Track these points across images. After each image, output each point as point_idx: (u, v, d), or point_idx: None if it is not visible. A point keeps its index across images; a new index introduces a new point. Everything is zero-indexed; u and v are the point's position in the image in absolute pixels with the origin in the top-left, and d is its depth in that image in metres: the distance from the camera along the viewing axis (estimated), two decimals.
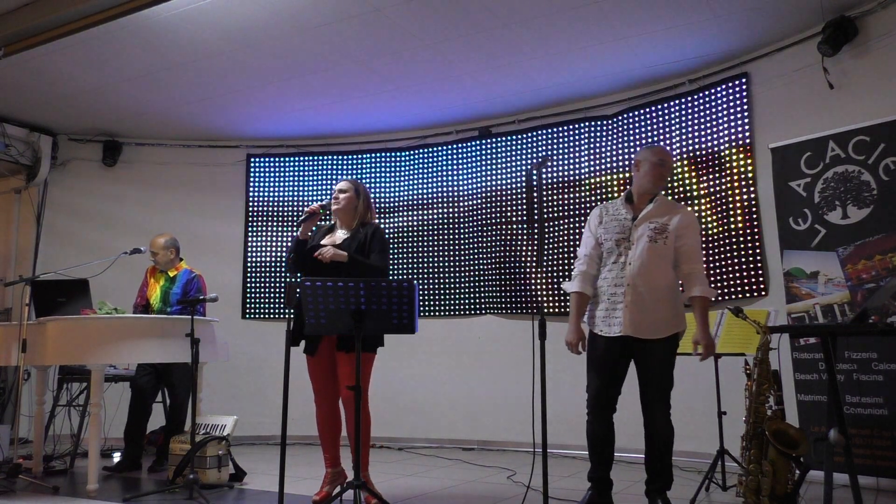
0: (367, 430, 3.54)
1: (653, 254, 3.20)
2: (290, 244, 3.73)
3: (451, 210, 6.40)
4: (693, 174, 5.27)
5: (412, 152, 6.60)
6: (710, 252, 5.09)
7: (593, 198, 5.69)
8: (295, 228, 3.78)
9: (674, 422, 5.00)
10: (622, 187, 5.61)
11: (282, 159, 6.82)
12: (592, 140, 5.81)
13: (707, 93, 5.24)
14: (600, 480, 3.26)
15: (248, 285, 6.68)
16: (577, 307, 3.34)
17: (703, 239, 5.14)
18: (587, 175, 5.76)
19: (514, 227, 6.06)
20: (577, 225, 5.72)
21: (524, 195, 6.02)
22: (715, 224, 5.09)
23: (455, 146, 6.42)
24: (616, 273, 3.26)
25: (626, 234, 3.28)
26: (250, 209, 6.80)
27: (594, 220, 3.43)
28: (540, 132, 6.05)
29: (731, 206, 5.00)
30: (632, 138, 5.60)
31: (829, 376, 2.89)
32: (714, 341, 3.25)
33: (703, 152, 5.22)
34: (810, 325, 4.10)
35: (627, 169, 5.61)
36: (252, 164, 6.84)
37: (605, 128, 5.78)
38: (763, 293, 4.77)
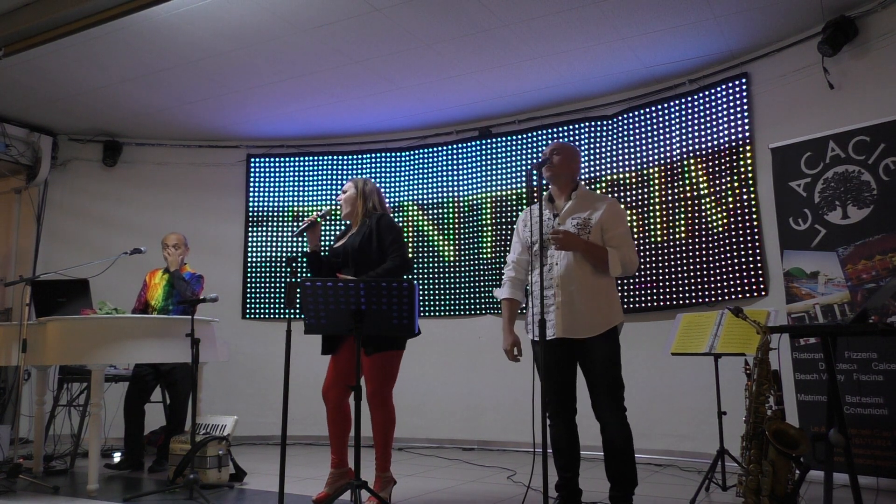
0: (389, 430, 3.54)
1: (572, 252, 3.15)
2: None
3: (451, 210, 6.40)
4: (693, 174, 5.26)
5: (412, 152, 6.60)
6: (710, 252, 5.09)
7: None
8: (294, 237, 3.80)
9: (674, 422, 5.06)
10: (622, 187, 5.62)
11: (282, 159, 6.83)
12: (592, 140, 5.81)
13: (707, 93, 5.24)
14: (564, 487, 3.17)
15: (248, 285, 6.68)
16: (509, 313, 3.34)
17: (704, 239, 5.15)
18: (587, 175, 5.76)
19: (515, 227, 6.05)
20: None
21: (524, 195, 6.03)
22: (715, 224, 5.09)
23: (455, 146, 6.42)
24: (546, 274, 3.19)
25: (548, 234, 3.20)
26: (250, 209, 6.80)
27: (521, 225, 3.41)
28: (540, 132, 6.05)
29: (731, 206, 5.00)
30: (632, 138, 5.60)
31: (829, 376, 2.89)
32: (575, 243, 3.11)
33: (703, 152, 5.23)
34: (810, 325, 4.10)
35: (628, 169, 5.62)
36: (252, 164, 6.84)
37: (605, 128, 5.78)
38: (763, 293, 4.78)
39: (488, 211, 6.20)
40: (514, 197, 6.11)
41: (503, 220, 6.12)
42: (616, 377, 3.11)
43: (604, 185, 5.70)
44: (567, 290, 3.14)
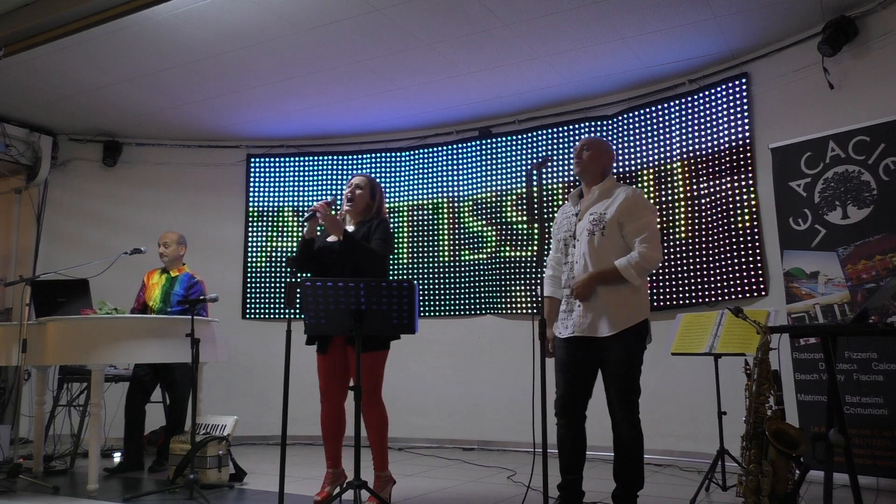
0: (384, 428, 3.55)
1: (593, 248, 3.10)
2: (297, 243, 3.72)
3: (451, 210, 6.40)
4: (693, 174, 5.27)
5: (412, 152, 6.60)
6: (710, 252, 5.09)
7: None
8: (301, 225, 3.75)
9: (674, 422, 5.06)
10: None
11: (282, 159, 6.82)
12: None
13: (707, 93, 5.24)
14: (565, 489, 3.15)
15: (249, 285, 6.68)
16: (547, 311, 3.32)
17: (704, 239, 5.14)
18: None
19: (515, 227, 6.06)
20: None
21: (524, 195, 6.03)
22: (715, 224, 5.09)
23: (455, 146, 6.42)
24: (567, 273, 3.20)
25: (571, 230, 3.22)
26: (250, 209, 6.80)
27: (554, 224, 3.40)
28: (540, 132, 6.05)
29: (731, 206, 5.00)
30: (632, 138, 5.60)
31: (829, 376, 2.89)
32: (588, 290, 3.09)
33: (703, 152, 5.22)
34: (810, 325, 4.10)
35: (628, 169, 5.62)
36: (252, 164, 6.84)
37: (605, 128, 5.78)
38: (763, 293, 4.78)
39: (488, 211, 6.20)
40: (514, 197, 6.11)
41: (503, 220, 6.12)
42: (628, 379, 3.07)
43: None
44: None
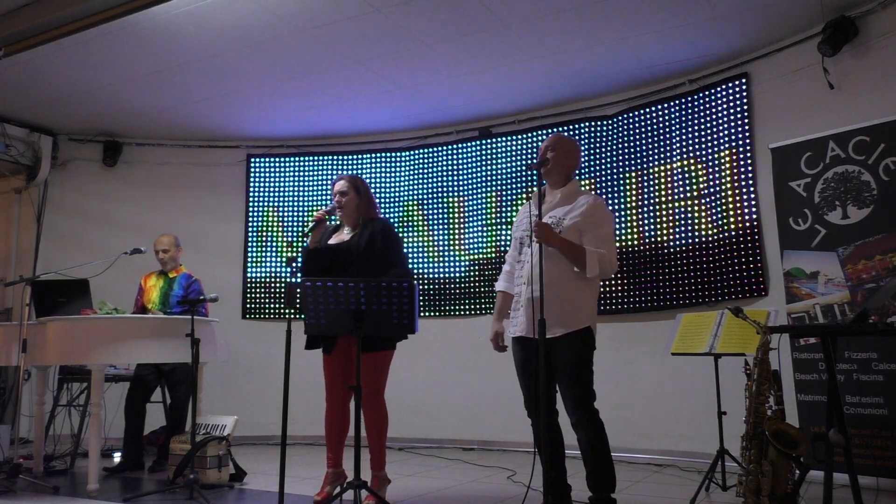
0: (383, 428, 3.56)
1: (547, 251, 3.03)
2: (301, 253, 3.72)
3: (450, 210, 6.40)
4: (693, 174, 5.26)
5: (412, 152, 6.60)
6: (710, 252, 5.09)
7: None
8: (304, 235, 3.76)
9: (674, 422, 5.07)
10: (622, 187, 5.61)
11: (282, 159, 6.82)
12: (592, 140, 5.81)
13: (707, 93, 5.24)
14: (548, 486, 3.05)
15: (248, 285, 6.68)
16: (499, 306, 3.35)
17: (704, 239, 5.14)
18: (587, 175, 5.76)
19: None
20: None
21: (524, 195, 6.03)
22: (714, 224, 5.09)
23: (455, 146, 6.42)
24: (520, 271, 3.20)
25: (529, 230, 3.17)
26: (250, 209, 6.80)
27: (515, 221, 3.41)
28: (540, 132, 6.05)
29: (731, 206, 5.00)
30: (632, 138, 5.60)
31: (829, 376, 2.89)
32: (552, 237, 3.00)
33: (703, 152, 5.22)
34: (810, 325, 4.10)
35: (628, 169, 5.62)
36: (252, 164, 6.84)
37: (605, 128, 5.78)
38: (763, 293, 4.78)
39: (488, 211, 6.20)
40: (513, 197, 6.11)
41: (503, 220, 6.12)
42: (580, 381, 3.03)
43: (604, 185, 5.70)
44: (532, 289, 3.06)
